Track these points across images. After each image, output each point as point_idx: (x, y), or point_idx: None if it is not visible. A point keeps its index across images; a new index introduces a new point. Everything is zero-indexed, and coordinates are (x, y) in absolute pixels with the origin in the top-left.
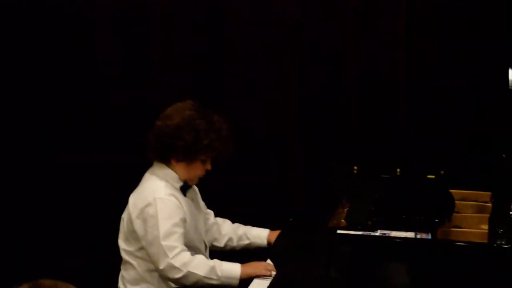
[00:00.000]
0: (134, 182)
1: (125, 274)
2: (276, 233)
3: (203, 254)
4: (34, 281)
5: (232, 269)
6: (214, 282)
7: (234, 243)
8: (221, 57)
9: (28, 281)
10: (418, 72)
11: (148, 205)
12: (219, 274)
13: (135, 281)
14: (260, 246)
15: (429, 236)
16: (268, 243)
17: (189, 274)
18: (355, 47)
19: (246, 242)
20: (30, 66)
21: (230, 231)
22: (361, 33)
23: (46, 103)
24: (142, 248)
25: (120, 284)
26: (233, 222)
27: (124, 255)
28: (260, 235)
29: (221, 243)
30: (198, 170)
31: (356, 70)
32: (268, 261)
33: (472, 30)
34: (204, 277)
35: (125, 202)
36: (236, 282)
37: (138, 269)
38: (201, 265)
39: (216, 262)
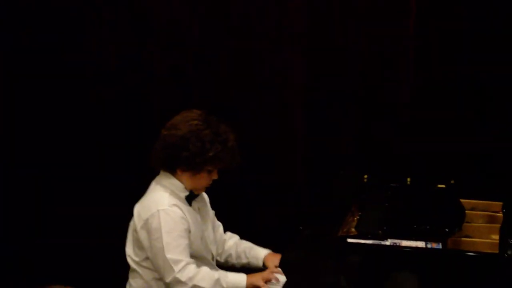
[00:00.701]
0: None
1: (132, 282)
2: (275, 256)
3: (210, 264)
4: (42, 286)
5: (237, 280)
6: None
7: (234, 260)
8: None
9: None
10: (426, 75)
11: (151, 216)
12: (224, 286)
13: None
14: (257, 267)
15: (440, 246)
16: (264, 265)
17: (194, 287)
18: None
19: (244, 261)
20: None
21: (231, 248)
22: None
23: None
24: (148, 258)
25: None
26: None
27: (131, 263)
28: (257, 256)
29: (221, 258)
30: (204, 180)
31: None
32: (275, 269)
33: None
34: None
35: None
36: None
37: (145, 277)
38: (206, 278)
39: (221, 273)
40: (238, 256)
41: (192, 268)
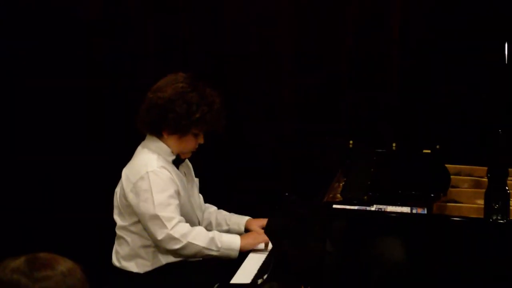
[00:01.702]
0: None
1: (119, 249)
2: (256, 220)
3: None
4: (31, 254)
5: (232, 240)
6: (214, 253)
7: (213, 228)
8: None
9: (24, 254)
10: (412, 46)
11: (140, 178)
12: (219, 245)
13: (129, 257)
14: (237, 233)
15: (425, 211)
16: (246, 230)
17: (188, 245)
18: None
19: (224, 228)
20: None
21: (211, 215)
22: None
23: None
24: (137, 223)
25: (114, 259)
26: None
27: (118, 231)
28: (238, 222)
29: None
30: (190, 143)
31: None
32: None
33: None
34: (204, 248)
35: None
36: (236, 253)
37: (132, 244)
38: (200, 236)
39: (215, 233)
40: (218, 224)
41: (186, 225)
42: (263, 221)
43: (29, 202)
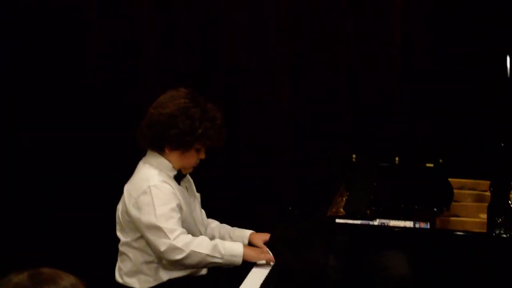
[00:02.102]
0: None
1: (122, 266)
2: (259, 235)
3: None
4: (34, 269)
5: (235, 248)
6: (218, 260)
7: None
8: None
9: (28, 269)
10: (414, 58)
11: (143, 193)
12: (222, 252)
13: (132, 273)
14: None
15: (428, 225)
16: (249, 244)
17: (192, 253)
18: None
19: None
20: None
21: (214, 230)
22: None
23: None
24: (139, 238)
25: (117, 276)
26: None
27: (121, 247)
28: (242, 235)
29: None
30: (192, 158)
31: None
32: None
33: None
34: (208, 255)
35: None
36: (239, 260)
37: (134, 260)
38: (203, 244)
39: (218, 241)
40: (222, 237)
41: (188, 236)
42: (266, 236)
43: (30, 203)
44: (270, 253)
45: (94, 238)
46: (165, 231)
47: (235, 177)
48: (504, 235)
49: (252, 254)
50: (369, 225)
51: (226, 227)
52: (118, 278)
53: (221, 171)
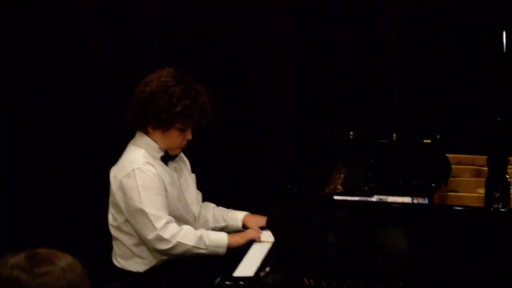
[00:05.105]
0: None
1: (116, 249)
2: (254, 217)
3: (191, 224)
4: (31, 249)
5: (219, 238)
6: (202, 251)
7: (211, 224)
8: None
9: (24, 250)
10: (411, 35)
11: (126, 176)
12: (207, 243)
13: (127, 256)
14: (235, 229)
15: (426, 201)
16: (243, 226)
17: (178, 244)
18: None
19: (222, 224)
20: None
21: (208, 212)
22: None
23: None
24: (127, 221)
25: (113, 259)
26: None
27: (112, 231)
28: (236, 218)
29: (198, 224)
30: (176, 139)
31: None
32: (256, 229)
33: None
34: (193, 246)
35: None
36: (223, 250)
37: (126, 244)
38: (189, 235)
39: (203, 231)
40: (216, 220)
41: (175, 226)
42: (261, 218)
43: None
44: (259, 230)
45: (92, 221)
46: (151, 218)
47: (232, 157)
48: (502, 210)
49: (237, 240)
50: (367, 201)
51: (220, 209)
52: (115, 261)
53: (216, 152)
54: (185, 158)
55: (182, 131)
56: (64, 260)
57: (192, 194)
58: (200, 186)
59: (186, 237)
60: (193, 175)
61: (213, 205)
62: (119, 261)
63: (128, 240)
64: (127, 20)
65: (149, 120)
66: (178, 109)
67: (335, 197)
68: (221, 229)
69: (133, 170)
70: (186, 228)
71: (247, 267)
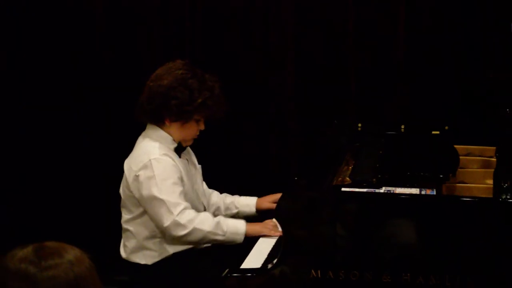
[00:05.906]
0: None
1: (126, 243)
2: (264, 199)
3: None
4: (39, 242)
5: (238, 225)
6: (220, 237)
7: (222, 212)
8: None
9: (33, 243)
10: (417, 26)
11: (143, 167)
12: (225, 229)
13: (137, 249)
14: (249, 215)
15: (434, 192)
16: (257, 210)
17: (194, 230)
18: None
19: (234, 211)
20: None
21: (218, 201)
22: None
23: None
24: (141, 214)
25: (122, 253)
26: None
27: (124, 224)
28: (248, 203)
29: (210, 212)
30: (192, 130)
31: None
32: (274, 220)
33: None
34: (210, 232)
35: None
36: (241, 238)
37: (138, 237)
38: (206, 221)
39: (221, 218)
40: (227, 208)
41: (192, 211)
42: (274, 196)
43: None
44: (279, 225)
45: (99, 215)
46: (168, 205)
47: (239, 146)
48: (511, 200)
49: (256, 228)
50: (375, 193)
51: (229, 197)
52: (123, 254)
53: (223, 142)
54: (191, 151)
55: (198, 122)
56: (72, 253)
57: (200, 186)
58: (206, 177)
59: (203, 223)
60: (199, 167)
61: (217, 192)
62: (128, 255)
63: (141, 233)
64: None
65: (168, 113)
66: (199, 101)
67: (343, 189)
68: (233, 216)
69: (150, 160)
70: (203, 214)
71: (255, 259)
